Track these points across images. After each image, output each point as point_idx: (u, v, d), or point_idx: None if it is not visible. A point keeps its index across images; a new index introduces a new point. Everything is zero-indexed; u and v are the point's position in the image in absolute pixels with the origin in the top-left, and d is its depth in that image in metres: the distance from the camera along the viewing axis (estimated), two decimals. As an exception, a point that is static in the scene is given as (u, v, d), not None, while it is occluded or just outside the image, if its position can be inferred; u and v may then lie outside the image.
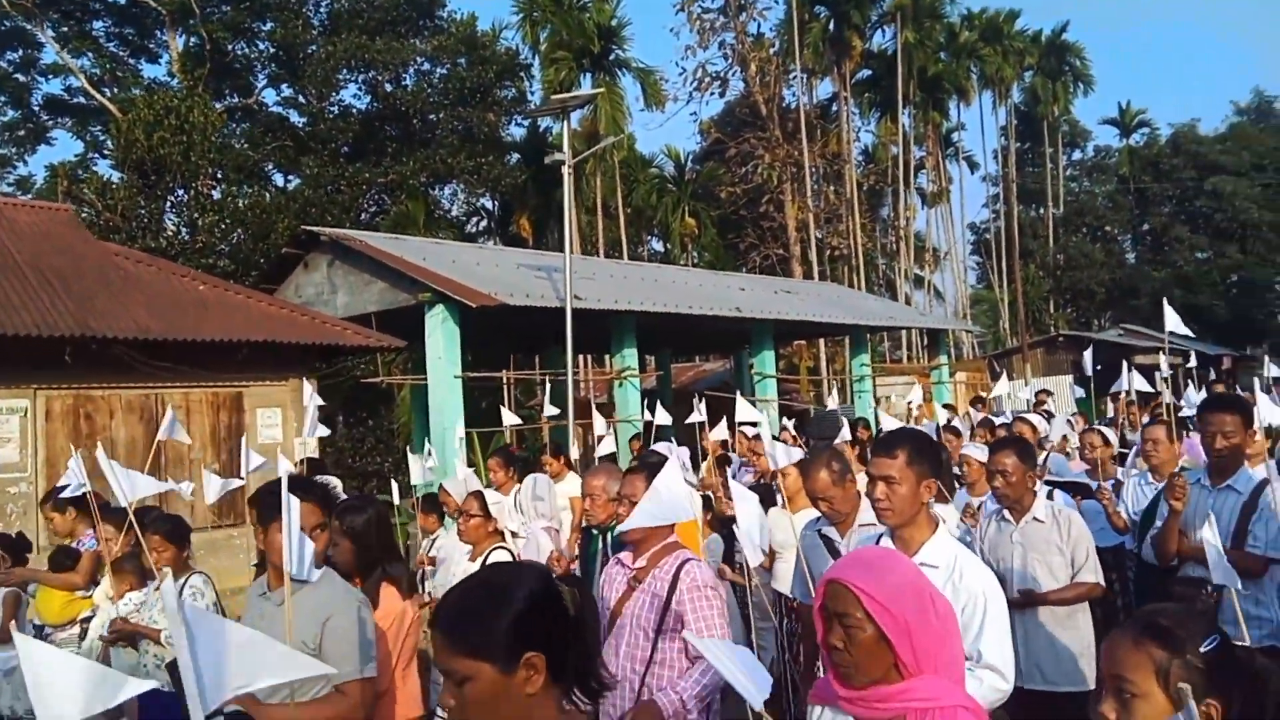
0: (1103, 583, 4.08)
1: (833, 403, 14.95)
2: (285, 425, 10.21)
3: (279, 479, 2.69)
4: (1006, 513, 4.10)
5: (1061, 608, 3.91)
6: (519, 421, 11.91)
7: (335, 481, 6.94)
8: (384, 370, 22.24)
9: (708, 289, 19.95)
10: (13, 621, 5.16)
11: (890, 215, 41.77)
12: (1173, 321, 6.47)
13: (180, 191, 21.62)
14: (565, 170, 13.21)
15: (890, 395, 26.27)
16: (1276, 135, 52.96)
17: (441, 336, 13.26)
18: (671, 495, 3.08)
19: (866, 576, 1.81)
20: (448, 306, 13.26)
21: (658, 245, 41.50)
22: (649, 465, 3.76)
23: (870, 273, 38.95)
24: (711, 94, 37.98)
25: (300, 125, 32.24)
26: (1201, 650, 1.55)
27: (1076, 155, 59.39)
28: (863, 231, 36.98)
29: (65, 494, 5.31)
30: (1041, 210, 52.60)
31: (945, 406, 13.26)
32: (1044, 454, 6.68)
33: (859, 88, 38.85)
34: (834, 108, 39.32)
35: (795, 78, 36.82)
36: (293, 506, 2.54)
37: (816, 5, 36.45)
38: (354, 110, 31.38)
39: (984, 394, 15.58)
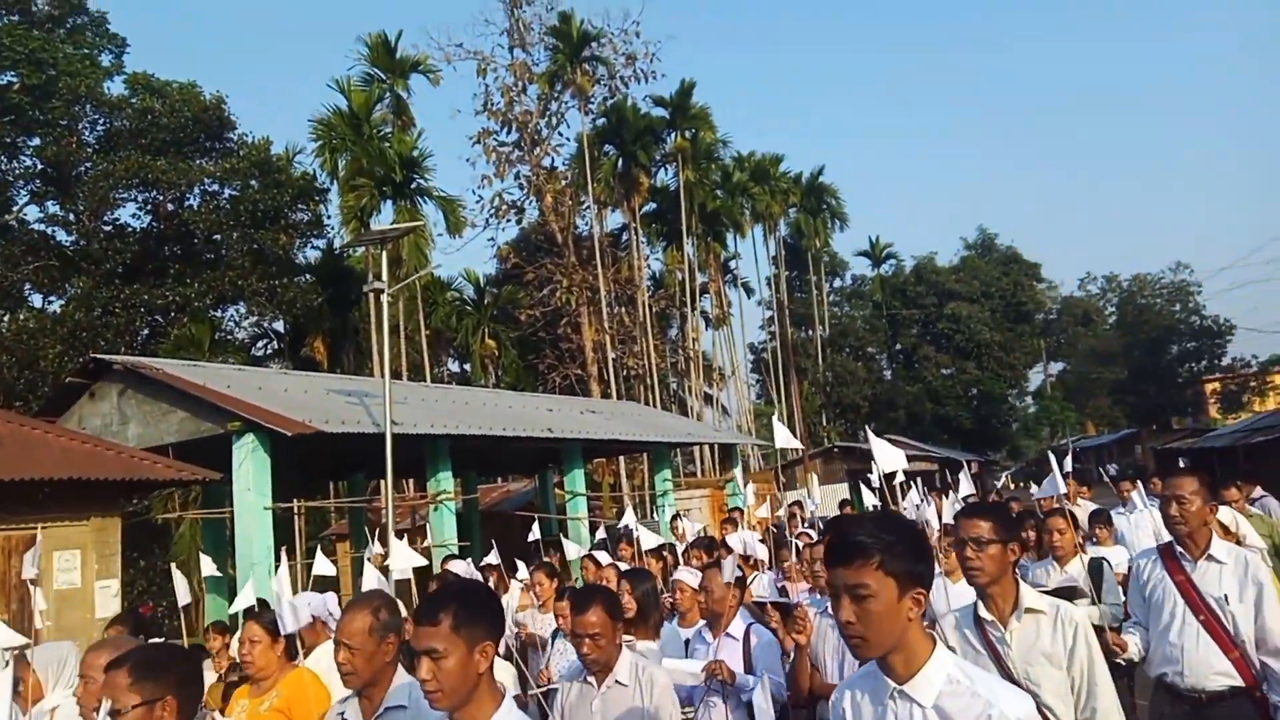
0: None
1: (630, 518, 15.18)
2: (85, 569, 9.47)
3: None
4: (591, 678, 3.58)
5: None
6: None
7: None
8: (167, 506, 20.78)
9: (517, 410, 20.36)
10: None
11: (679, 336, 44.19)
12: (882, 451, 6.10)
13: (-69, 315, 19.65)
14: (385, 299, 13.44)
15: (690, 509, 27.39)
16: (999, 266, 61.18)
17: (251, 467, 12.79)
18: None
19: None
20: (258, 435, 12.85)
21: (457, 366, 41.51)
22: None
23: (663, 391, 40.77)
24: (508, 221, 39.35)
25: (68, 244, 30.17)
26: None
27: (838, 283, 65.73)
28: (655, 352, 38.86)
29: None
30: (811, 332, 57.41)
31: (733, 510, 14.08)
32: (753, 574, 6.19)
33: (647, 219, 41.52)
34: (624, 237, 41.67)
35: (588, 208, 38.88)
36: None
37: (605, 144, 39.00)
38: (131, 229, 29.87)
39: (739, 513, 14.83)
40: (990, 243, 64.57)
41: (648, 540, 8.31)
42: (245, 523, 12.85)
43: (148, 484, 10.83)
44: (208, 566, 8.24)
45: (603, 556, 7.93)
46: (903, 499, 11.15)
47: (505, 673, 4.26)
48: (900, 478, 9.88)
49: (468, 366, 40.13)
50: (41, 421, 11.39)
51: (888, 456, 6.89)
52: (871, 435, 7.16)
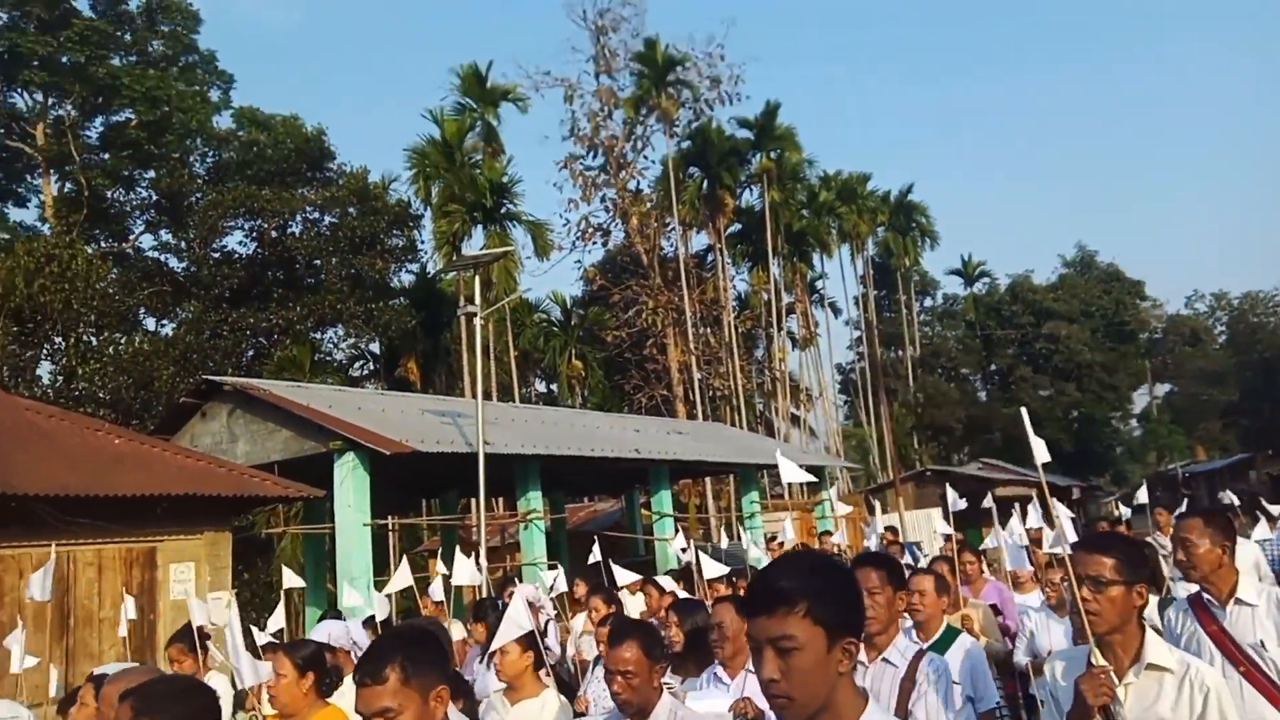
0: None
1: (724, 540, 15.10)
2: (199, 580, 9.91)
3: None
4: None
5: None
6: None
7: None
8: (270, 521, 21.55)
9: (604, 430, 20.50)
10: None
11: (765, 357, 43.90)
12: (1041, 452, 6.75)
13: (58, 339, 20.92)
14: (477, 322, 13.72)
15: (778, 532, 27.08)
16: (1099, 284, 59.06)
17: (352, 484, 13.20)
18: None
19: None
20: (358, 454, 13.27)
21: (544, 387, 42.10)
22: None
23: (749, 412, 40.51)
24: (594, 243, 39.85)
25: (179, 270, 31.81)
26: None
27: (928, 302, 64.40)
28: (741, 373, 38.69)
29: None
30: (900, 352, 56.31)
31: (823, 534, 13.85)
32: None
33: (732, 239, 41.50)
34: (710, 258, 41.73)
35: (673, 230, 39.07)
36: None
37: (690, 166, 39.21)
38: (238, 255, 31.32)
39: (827, 535, 14.78)
40: (1090, 260, 62.45)
41: (710, 569, 7.56)
42: (346, 538, 13.25)
43: (256, 500, 11.29)
44: (290, 579, 8.42)
45: (666, 582, 7.55)
46: (1002, 526, 10.79)
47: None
48: (988, 502, 9.56)
49: (554, 387, 40.68)
50: (157, 439, 11.99)
51: (791, 471, 6.75)
52: (779, 453, 6.98)
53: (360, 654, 3.02)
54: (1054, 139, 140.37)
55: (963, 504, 11.82)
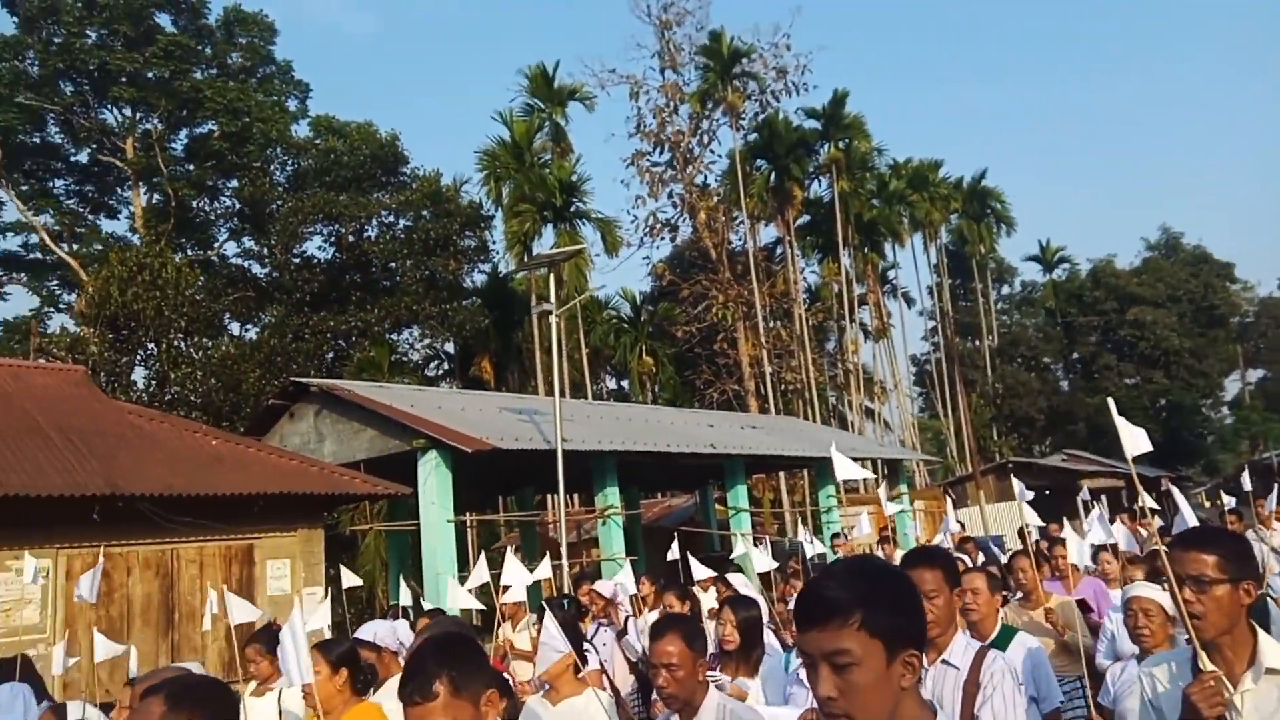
0: None
1: (803, 535, 14.79)
2: (294, 576, 10.22)
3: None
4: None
5: None
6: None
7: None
8: (353, 519, 22.06)
9: (679, 426, 20.50)
10: None
11: (837, 349, 43.35)
12: (1138, 441, 5.48)
13: (150, 345, 21.76)
14: (553, 320, 13.84)
15: (853, 526, 26.74)
16: (1186, 267, 56.79)
17: (435, 482, 13.45)
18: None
19: None
20: (441, 452, 13.51)
21: (615, 384, 42.28)
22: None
23: (823, 406, 40.07)
24: (662, 239, 39.83)
25: (262, 276, 32.82)
26: None
27: (1005, 290, 62.71)
28: (813, 366, 38.29)
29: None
30: (978, 342, 55.00)
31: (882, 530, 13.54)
32: None
33: (801, 231, 41.05)
34: (779, 250, 41.36)
35: (741, 223, 38.83)
36: None
37: (758, 159, 38.90)
38: (317, 261, 32.16)
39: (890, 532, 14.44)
40: (1175, 242, 60.09)
41: (762, 564, 7.41)
42: (430, 535, 13.52)
43: (347, 498, 11.58)
44: (349, 578, 8.40)
45: (737, 579, 7.08)
46: (1083, 518, 10.39)
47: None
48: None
49: (625, 383, 40.81)
50: (250, 440, 12.37)
51: (845, 468, 6.50)
52: (833, 449, 6.72)
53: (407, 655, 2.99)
54: (1135, 119, 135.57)
55: (1030, 495, 11.29)
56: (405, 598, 8.89)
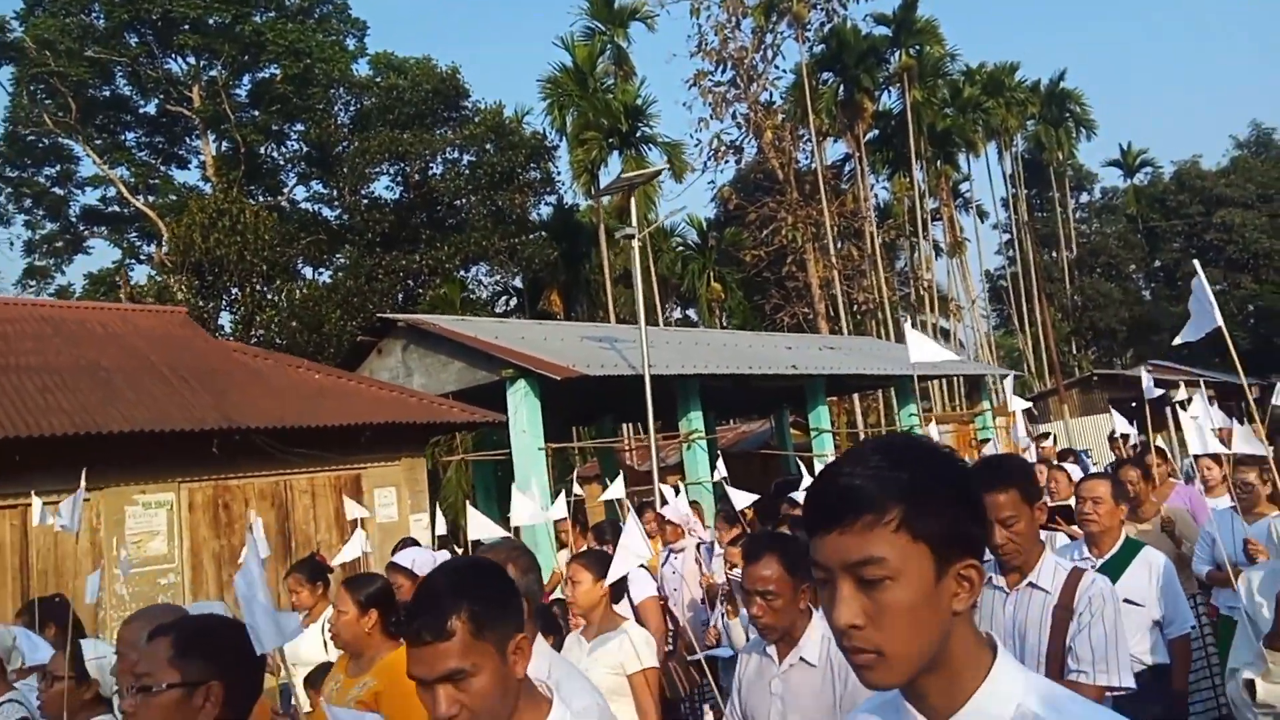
0: None
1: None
2: (400, 504, 10.48)
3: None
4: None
5: None
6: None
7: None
8: (436, 451, 22.51)
9: (757, 349, 20.31)
10: None
11: (909, 267, 42.37)
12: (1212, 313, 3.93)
13: (234, 290, 22.26)
14: (635, 244, 13.70)
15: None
16: (1278, 166, 53.81)
17: (525, 410, 13.58)
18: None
19: None
20: (529, 381, 13.60)
21: (681, 313, 42.08)
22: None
23: (895, 326, 39.38)
24: (726, 162, 39.01)
25: (332, 219, 33.18)
26: None
27: (1084, 198, 60.34)
28: (885, 285, 37.52)
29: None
30: (1055, 254, 53.23)
31: (983, 443, 13.14)
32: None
33: (871, 146, 39.83)
34: (848, 167, 40.24)
35: (808, 141, 37.78)
36: None
37: (825, 72, 37.62)
38: (385, 201, 32.33)
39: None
40: (1267, 139, 56.85)
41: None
42: (522, 462, 13.69)
43: (446, 426, 11.78)
44: (353, 509, 8.11)
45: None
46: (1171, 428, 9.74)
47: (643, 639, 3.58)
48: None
49: (693, 312, 40.58)
50: (347, 373, 12.60)
51: (921, 348, 6.14)
52: (908, 327, 6.33)
53: None
54: (1222, 6, 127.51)
55: (1157, 393, 10.84)
56: (440, 527, 8.59)
